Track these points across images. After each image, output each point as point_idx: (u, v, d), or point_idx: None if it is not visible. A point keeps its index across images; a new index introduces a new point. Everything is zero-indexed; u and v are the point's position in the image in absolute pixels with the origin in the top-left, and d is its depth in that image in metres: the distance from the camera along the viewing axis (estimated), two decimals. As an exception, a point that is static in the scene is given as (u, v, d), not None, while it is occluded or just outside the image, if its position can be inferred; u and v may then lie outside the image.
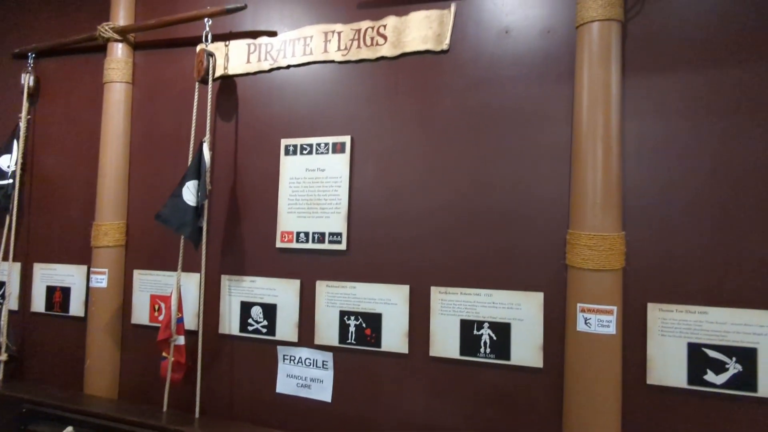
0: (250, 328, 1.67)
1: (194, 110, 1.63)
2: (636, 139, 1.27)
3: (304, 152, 1.62)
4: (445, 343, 1.43)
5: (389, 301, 1.51)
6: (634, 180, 1.27)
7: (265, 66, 1.69)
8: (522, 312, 1.36)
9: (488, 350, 1.39)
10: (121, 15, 1.85)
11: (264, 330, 1.65)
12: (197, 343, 1.62)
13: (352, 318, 1.55)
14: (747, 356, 1.16)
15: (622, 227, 1.24)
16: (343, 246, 1.56)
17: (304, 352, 1.60)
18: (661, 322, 1.23)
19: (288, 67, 1.66)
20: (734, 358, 1.17)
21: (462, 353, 1.42)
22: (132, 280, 1.85)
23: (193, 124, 1.63)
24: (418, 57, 1.49)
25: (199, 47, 1.70)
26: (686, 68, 1.24)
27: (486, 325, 1.40)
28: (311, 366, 1.60)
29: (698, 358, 1.19)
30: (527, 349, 1.35)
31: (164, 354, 1.64)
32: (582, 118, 1.25)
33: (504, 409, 1.37)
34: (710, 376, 1.18)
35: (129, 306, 1.84)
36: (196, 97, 1.64)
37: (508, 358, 1.37)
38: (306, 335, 1.60)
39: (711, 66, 1.22)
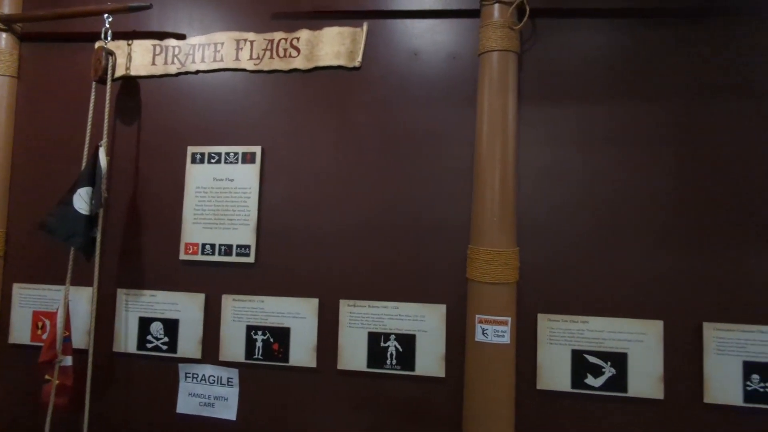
0: (149, 346, 1.57)
1: (90, 111, 1.51)
2: (530, 163, 1.38)
3: (213, 161, 1.56)
4: (353, 355, 1.44)
5: (298, 315, 1.49)
6: (527, 201, 1.37)
7: (173, 69, 1.61)
8: (426, 324, 1.41)
9: (394, 362, 1.42)
10: (6, 1, 1.67)
11: (164, 347, 1.56)
12: (87, 364, 1.49)
13: (260, 333, 1.51)
14: (619, 360, 1.29)
15: (516, 243, 1.32)
16: (251, 259, 1.52)
17: (207, 369, 1.54)
18: (549, 332, 1.33)
19: (197, 72, 1.59)
20: (609, 363, 1.29)
21: (369, 365, 1.43)
22: (11, 294, 1.66)
23: (89, 127, 1.51)
24: (331, 72, 1.51)
25: (97, 44, 1.58)
26: (574, 100, 1.37)
27: (393, 337, 1.43)
28: (215, 383, 1.53)
29: (580, 363, 1.31)
30: (431, 360, 1.40)
31: (47, 377, 1.48)
32: (483, 141, 1.33)
33: (410, 419, 1.41)
34: (590, 380, 1.30)
35: (6, 323, 1.65)
36: (92, 97, 1.51)
37: (413, 368, 1.41)
38: (210, 352, 1.53)
39: (594, 99, 1.35)
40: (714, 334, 1.24)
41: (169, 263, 1.57)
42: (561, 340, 1.32)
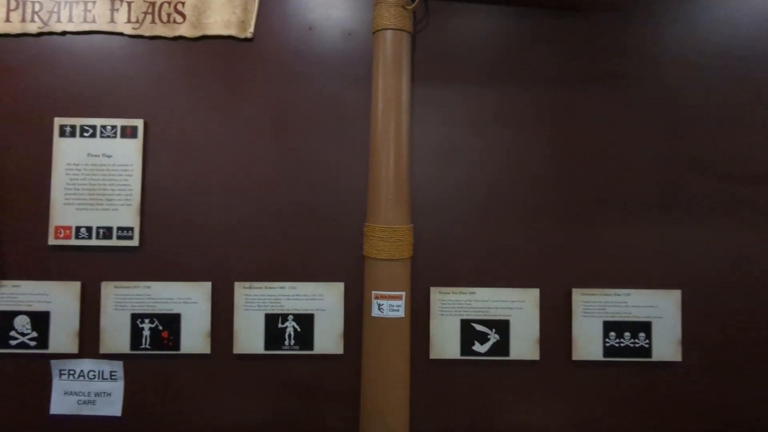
0: (13, 343, 1.39)
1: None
2: (423, 142, 1.42)
3: (86, 135, 1.41)
4: (250, 339, 1.41)
5: (189, 300, 1.41)
6: (421, 179, 1.41)
7: (32, 28, 1.41)
8: (324, 302, 1.41)
9: (293, 342, 1.41)
10: None
11: (33, 343, 1.39)
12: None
13: (147, 321, 1.41)
14: (503, 327, 1.40)
15: (410, 220, 1.36)
16: (135, 242, 1.40)
17: (86, 364, 1.41)
18: (441, 303, 1.40)
19: (64, 33, 1.41)
20: (494, 330, 1.39)
21: (267, 348, 1.41)
22: None
23: None
24: (221, 42, 1.42)
25: (-70, -7, 1.33)
26: (464, 82, 1.42)
27: (290, 317, 1.41)
28: (96, 379, 1.41)
29: (468, 332, 1.40)
30: (329, 338, 1.41)
31: None
32: (377, 120, 1.34)
33: (309, 398, 1.41)
34: (477, 346, 1.39)
35: None
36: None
37: (311, 348, 1.41)
38: (89, 345, 1.40)
39: (483, 83, 1.42)
40: (581, 298, 1.39)
41: (36, 249, 1.40)
42: (451, 311, 1.40)
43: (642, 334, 1.40)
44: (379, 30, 1.34)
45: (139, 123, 1.41)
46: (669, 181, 1.42)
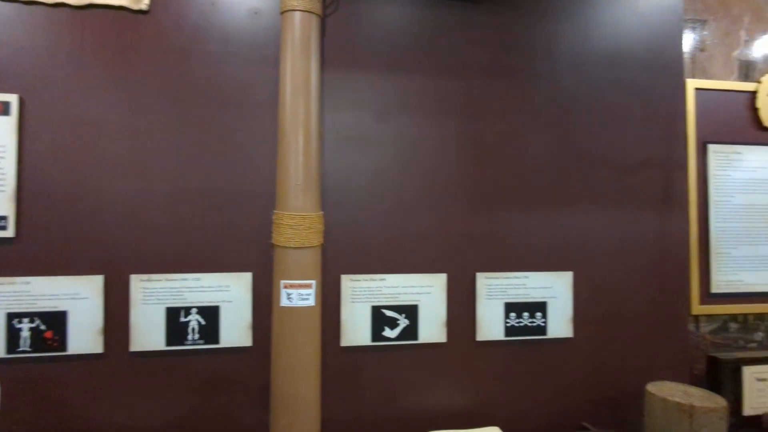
0: None
1: None
2: (334, 128, 1.40)
3: (-56, 110, 1.22)
4: (149, 335, 1.32)
5: (77, 296, 1.29)
6: (331, 166, 1.40)
7: None
8: (231, 293, 1.35)
9: (197, 336, 1.34)
10: None
11: None
12: None
13: (26, 320, 1.27)
14: (412, 312, 1.43)
15: (321, 208, 1.35)
16: (9, 233, 1.25)
17: (-51, 372, 1.23)
18: (352, 291, 1.40)
19: None
20: (404, 315, 1.43)
21: (169, 343, 1.33)
22: None
23: None
24: (112, 12, 1.30)
25: None
26: (374, 69, 1.43)
27: (194, 310, 1.34)
28: (-38, 388, 1.24)
29: (379, 318, 1.41)
30: (236, 330, 1.36)
31: None
32: (286, 104, 1.30)
33: (216, 393, 1.35)
34: (387, 332, 1.42)
35: None
36: None
37: (217, 341, 1.35)
38: (-48, 350, 1.23)
39: (392, 70, 1.43)
40: (484, 282, 1.46)
41: None
42: (362, 297, 1.41)
43: (539, 314, 1.50)
44: (287, 11, 1.30)
45: (12, 98, 1.25)
46: (561, 171, 1.53)
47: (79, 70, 1.28)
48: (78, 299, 1.29)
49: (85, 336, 1.29)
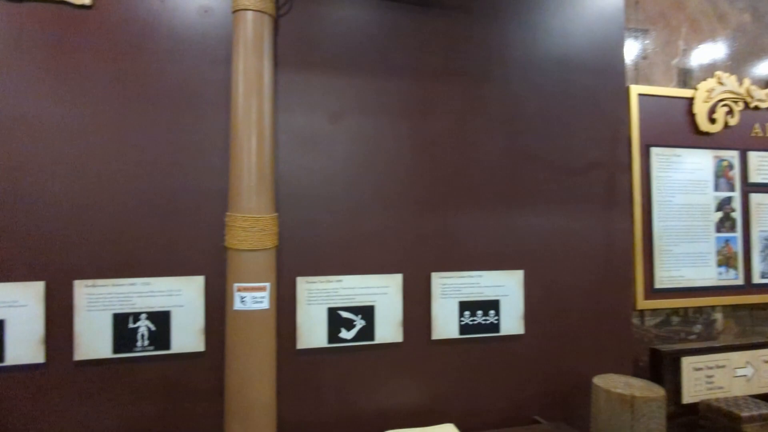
0: None
1: None
2: (288, 129, 1.39)
3: None
4: (94, 342, 1.27)
5: (15, 303, 1.23)
6: (285, 167, 1.39)
7: None
8: (182, 298, 1.32)
9: (146, 342, 1.30)
10: None
11: None
12: None
13: (-43, 330, 1.19)
14: (368, 312, 1.44)
15: (275, 209, 1.33)
16: (-62, 238, 1.17)
17: None
18: (308, 293, 1.40)
19: None
20: (360, 316, 1.43)
21: (116, 351, 1.28)
22: None
23: None
24: (51, 6, 1.24)
25: None
26: (328, 70, 1.42)
27: (144, 316, 1.30)
28: None
29: (335, 319, 1.41)
30: (188, 335, 1.33)
31: None
32: (238, 105, 1.28)
33: (167, 401, 1.32)
34: (344, 333, 1.42)
35: None
36: None
37: (168, 347, 1.31)
38: None
39: (347, 71, 1.44)
40: (439, 281, 1.49)
41: None
42: (318, 299, 1.40)
43: (492, 312, 1.54)
44: (238, 10, 1.28)
45: (-60, 95, 1.18)
46: (512, 173, 1.58)
47: (15, 66, 1.22)
48: (16, 307, 1.23)
49: (23, 345, 1.23)
